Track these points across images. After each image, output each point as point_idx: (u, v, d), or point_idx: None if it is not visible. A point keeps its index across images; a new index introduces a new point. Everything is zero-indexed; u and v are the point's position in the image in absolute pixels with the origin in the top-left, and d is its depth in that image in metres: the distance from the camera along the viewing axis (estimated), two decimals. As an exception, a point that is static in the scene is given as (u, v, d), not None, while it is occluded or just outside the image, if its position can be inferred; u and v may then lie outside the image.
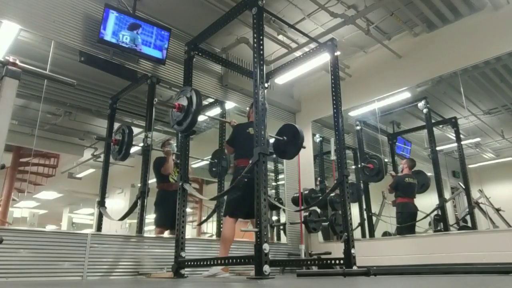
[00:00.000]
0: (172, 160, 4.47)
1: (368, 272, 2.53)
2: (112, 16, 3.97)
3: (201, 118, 5.58)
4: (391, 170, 5.63)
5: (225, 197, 3.80)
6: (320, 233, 5.28)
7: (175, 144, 4.69)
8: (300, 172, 5.23)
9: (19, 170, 5.27)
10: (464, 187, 4.98)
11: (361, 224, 5.37)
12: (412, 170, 5.31)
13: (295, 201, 5.05)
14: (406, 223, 5.01)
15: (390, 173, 5.45)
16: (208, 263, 3.17)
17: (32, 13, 3.59)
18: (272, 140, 4.03)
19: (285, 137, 3.89)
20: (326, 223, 5.01)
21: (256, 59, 3.06)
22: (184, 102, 3.21)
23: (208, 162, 5.07)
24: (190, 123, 3.19)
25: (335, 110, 3.60)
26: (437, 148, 5.13)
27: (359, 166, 5.62)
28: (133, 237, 3.72)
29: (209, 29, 3.77)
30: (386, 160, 5.60)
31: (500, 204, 4.69)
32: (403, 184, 5.19)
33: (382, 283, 1.98)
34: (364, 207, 5.46)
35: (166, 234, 4.31)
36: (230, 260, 2.93)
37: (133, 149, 5.89)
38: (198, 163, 5.56)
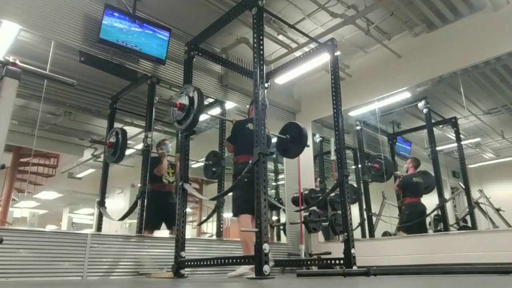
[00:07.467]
0: (166, 162, 4.45)
1: (368, 272, 2.53)
2: (112, 16, 3.97)
3: (201, 117, 5.59)
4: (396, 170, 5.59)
5: (230, 196, 3.73)
6: (320, 233, 5.27)
7: (170, 145, 4.66)
8: (300, 172, 5.23)
9: (19, 170, 5.27)
10: (464, 187, 4.98)
11: (361, 224, 5.37)
12: (417, 170, 5.28)
13: (295, 201, 5.04)
14: (416, 221, 4.96)
15: (395, 174, 5.43)
16: (208, 263, 3.16)
17: (32, 13, 3.59)
18: (275, 139, 4.02)
19: (288, 136, 3.89)
20: (326, 223, 5.00)
21: (256, 59, 3.06)
22: (185, 101, 3.19)
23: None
24: (190, 123, 3.20)
25: (335, 110, 3.61)
26: (437, 148, 5.13)
27: (366, 164, 5.62)
28: (133, 237, 3.73)
29: (209, 29, 3.77)
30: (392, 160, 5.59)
31: (500, 204, 4.69)
32: (411, 183, 5.15)
33: (382, 283, 1.98)
34: (364, 207, 5.46)
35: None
36: (230, 260, 2.93)
37: (133, 150, 5.90)
38: (198, 163, 5.56)
